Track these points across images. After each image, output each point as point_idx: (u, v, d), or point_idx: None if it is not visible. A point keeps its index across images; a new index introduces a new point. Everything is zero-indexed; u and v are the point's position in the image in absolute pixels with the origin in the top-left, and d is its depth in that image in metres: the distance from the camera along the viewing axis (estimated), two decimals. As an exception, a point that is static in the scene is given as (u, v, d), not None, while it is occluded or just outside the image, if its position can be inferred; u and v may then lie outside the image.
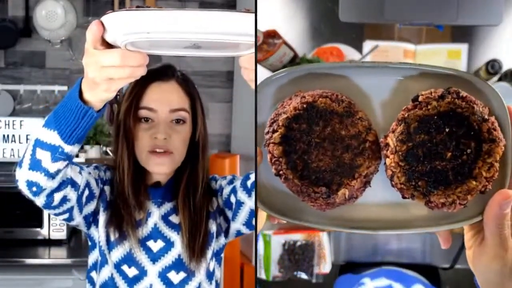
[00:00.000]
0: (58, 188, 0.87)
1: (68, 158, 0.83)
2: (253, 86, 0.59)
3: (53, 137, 0.79)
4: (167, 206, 1.06)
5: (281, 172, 0.45)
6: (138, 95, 1.00)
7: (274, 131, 0.45)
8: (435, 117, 0.45)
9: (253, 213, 1.03)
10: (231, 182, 1.08)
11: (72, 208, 0.95)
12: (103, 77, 0.69)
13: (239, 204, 1.03)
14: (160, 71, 1.04)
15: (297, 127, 0.45)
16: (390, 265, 1.47)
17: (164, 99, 1.01)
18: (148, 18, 0.55)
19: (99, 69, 0.68)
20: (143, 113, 1.00)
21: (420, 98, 0.46)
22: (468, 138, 0.44)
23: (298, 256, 1.58)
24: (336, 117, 0.46)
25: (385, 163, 0.46)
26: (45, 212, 2.30)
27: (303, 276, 1.58)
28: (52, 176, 0.83)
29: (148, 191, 1.05)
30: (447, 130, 0.44)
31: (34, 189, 0.85)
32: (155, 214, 1.05)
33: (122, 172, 1.02)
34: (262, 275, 1.61)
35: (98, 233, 1.03)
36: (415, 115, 0.45)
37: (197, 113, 1.05)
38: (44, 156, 0.81)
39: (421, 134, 0.45)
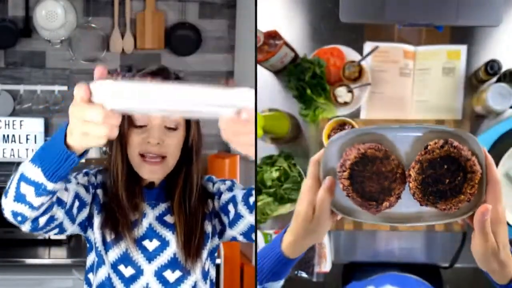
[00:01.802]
0: (43, 214, 0.88)
1: (52, 193, 0.84)
2: (241, 151, 0.72)
3: (37, 174, 0.81)
4: (162, 207, 1.07)
5: (349, 195, 0.76)
6: None
7: (343, 171, 0.75)
8: (438, 159, 0.73)
9: (253, 227, 1.04)
10: (230, 189, 1.08)
11: (61, 223, 0.95)
12: (80, 131, 0.72)
13: (239, 216, 1.04)
14: (154, 74, 1.03)
15: (357, 168, 0.75)
16: (391, 265, 1.48)
17: None
18: (133, 93, 0.66)
19: (81, 122, 0.70)
20: (136, 117, 1.01)
21: (429, 147, 0.73)
22: (458, 171, 0.73)
23: (299, 256, 1.58)
24: (378, 160, 0.75)
25: (409, 186, 0.75)
26: (45, 212, 2.30)
27: (304, 275, 1.58)
28: (36, 208, 0.85)
29: (142, 193, 1.06)
30: (445, 166, 0.73)
31: (19, 218, 0.87)
32: (149, 216, 1.06)
33: (116, 175, 1.03)
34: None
35: (94, 235, 1.04)
36: (425, 158, 0.74)
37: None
38: (28, 191, 0.83)
39: (430, 169, 0.74)
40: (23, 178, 0.83)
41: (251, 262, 2.19)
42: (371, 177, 0.74)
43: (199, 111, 0.70)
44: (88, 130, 0.70)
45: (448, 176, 0.73)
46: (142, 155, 1.01)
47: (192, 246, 1.03)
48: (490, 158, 0.74)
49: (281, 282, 0.90)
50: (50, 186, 0.81)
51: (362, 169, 0.74)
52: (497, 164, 1.47)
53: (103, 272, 1.04)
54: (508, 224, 1.45)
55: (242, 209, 1.03)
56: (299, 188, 1.60)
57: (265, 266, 0.85)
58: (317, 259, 1.58)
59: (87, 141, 0.73)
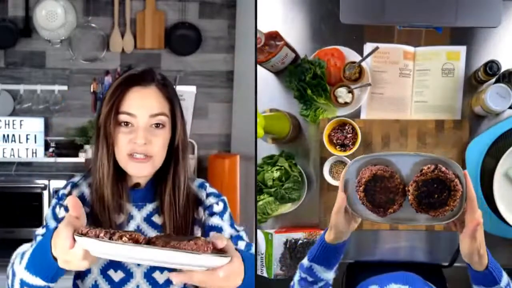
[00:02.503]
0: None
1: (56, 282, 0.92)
2: None
3: (38, 281, 0.90)
4: (149, 207, 1.07)
5: (364, 203, 1.04)
6: (118, 99, 1.01)
7: (360, 186, 1.03)
8: (430, 179, 0.99)
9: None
10: (221, 215, 1.09)
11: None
12: (62, 259, 0.84)
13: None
14: (140, 76, 1.04)
15: (370, 184, 1.02)
16: (394, 265, 1.49)
17: (143, 105, 1.01)
18: (113, 254, 0.79)
19: (63, 254, 0.83)
20: (122, 117, 1.01)
21: (423, 171, 1.00)
22: (445, 189, 0.99)
23: (300, 254, 1.59)
24: (386, 179, 1.02)
25: (408, 198, 1.02)
26: (45, 212, 2.31)
27: (305, 274, 1.59)
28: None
29: (128, 193, 1.05)
30: (435, 185, 0.99)
31: None
32: (137, 217, 1.06)
33: (102, 175, 1.02)
34: (264, 273, 1.63)
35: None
36: (420, 179, 1.00)
37: (176, 117, 1.06)
38: None
39: (424, 187, 1.00)
40: (25, 284, 0.91)
41: (251, 262, 2.20)
42: (380, 191, 1.01)
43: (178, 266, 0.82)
44: (69, 260, 0.83)
45: (437, 192, 0.99)
46: (130, 155, 1.02)
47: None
48: (469, 180, 1.00)
49: (331, 273, 1.14)
50: (52, 284, 0.90)
51: (373, 185, 1.01)
52: (496, 164, 1.48)
53: (91, 279, 1.03)
54: (508, 224, 1.47)
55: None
56: (300, 188, 1.63)
57: (313, 247, 1.13)
58: (291, 285, 1.58)
59: (68, 267, 0.85)
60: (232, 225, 1.11)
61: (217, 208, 1.10)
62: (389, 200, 1.01)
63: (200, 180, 1.15)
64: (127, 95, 1.01)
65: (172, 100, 1.06)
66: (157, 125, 1.02)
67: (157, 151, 1.02)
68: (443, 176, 0.98)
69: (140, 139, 1.00)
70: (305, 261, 1.14)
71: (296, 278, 1.17)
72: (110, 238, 0.79)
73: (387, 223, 1.10)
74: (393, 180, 1.01)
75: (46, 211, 2.37)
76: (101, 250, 0.80)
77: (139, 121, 1.01)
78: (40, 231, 1.07)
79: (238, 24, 2.58)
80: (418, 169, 0.99)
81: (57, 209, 1.06)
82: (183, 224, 1.05)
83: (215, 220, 1.09)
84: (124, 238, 0.79)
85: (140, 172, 1.03)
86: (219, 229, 1.08)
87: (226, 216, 1.11)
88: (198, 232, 1.08)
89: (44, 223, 1.07)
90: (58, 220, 1.04)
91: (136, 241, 0.80)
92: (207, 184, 1.14)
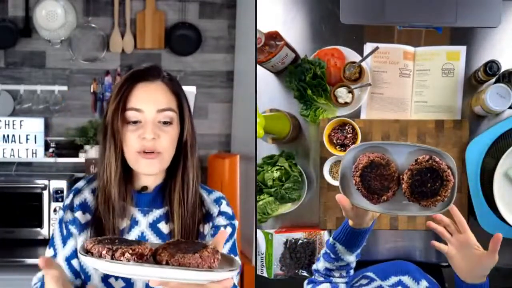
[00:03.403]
0: None
1: None
2: None
3: None
4: (156, 213, 1.05)
5: (359, 188, 1.06)
6: (124, 96, 1.00)
7: (356, 171, 1.05)
8: (424, 169, 1.02)
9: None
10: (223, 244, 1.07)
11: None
12: None
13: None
14: (146, 71, 1.03)
15: (366, 170, 1.05)
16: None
17: (150, 99, 1.00)
18: (119, 271, 0.79)
19: None
20: (130, 114, 0.99)
21: (418, 160, 1.03)
22: (437, 179, 1.02)
23: (300, 254, 1.59)
24: (381, 166, 1.04)
25: (402, 186, 1.04)
26: (45, 212, 2.31)
27: (305, 273, 1.60)
28: None
29: (135, 197, 1.03)
30: (428, 175, 1.02)
31: None
32: (142, 223, 1.03)
33: (109, 174, 1.00)
34: (264, 273, 1.63)
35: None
36: (415, 168, 1.03)
37: (184, 113, 1.04)
38: None
39: (417, 176, 1.02)
40: None
41: (251, 262, 2.19)
42: (375, 177, 1.03)
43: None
44: None
45: (430, 182, 1.01)
46: (139, 152, 1.00)
47: None
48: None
49: (351, 256, 1.18)
50: None
51: (369, 171, 1.04)
52: (496, 164, 1.48)
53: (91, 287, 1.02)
54: (508, 224, 1.47)
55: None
56: (300, 188, 1.63)
57: (339, 227, 1.18)
58: (318, 257, 1.59)
59: None
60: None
61: (222, 221, 1.08)
62: (384, 188, 1.03)
63: (218, 194, 1.11)
64: (133, 91, 1.00)
65: (179, 94, 1.04)
66: (166, 120, 1.01)
67: (166, 146, 1.00)
68: (436, 166, 1.00)
69: (148, 133, 0.98)
70: (330, 238, 1.20)
71: (322, 252, 1.23)
72: (113, 255, 0.78)
73: (377, 212, 1.06)
74: (389, 168, 1.03)
75: (46, 211, 2.36)
76: (104, 268, 0.79)
77: (147, 116, 0.99)
78: (48, 252, 1.06)
79: (238, 24, 2.58)
80: (413, 159, 1.02)
81: (63, 227, 1.04)
82: (190, 224, 1.03)
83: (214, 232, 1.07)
84: (127, 255, 0.78)
85: (149, 169, 1.00)
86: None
87: (228, 245, 1.08)
88: (205, 227, 1.06)
89: (52, 244, 1.06)
90: (70, 234, 1.03)
91: (141, 255, 0.79)
92: (224, 201, 1.11)
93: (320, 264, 1.23)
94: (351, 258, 1.20)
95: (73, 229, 1.03)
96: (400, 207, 1.04)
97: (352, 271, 1.23)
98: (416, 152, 1.03)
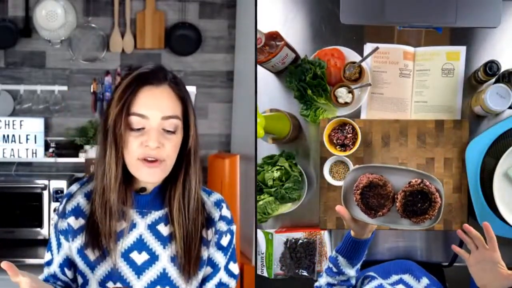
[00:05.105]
0: None
1: None
2: None
3: None
4: (155, 215, 1.02)
5: (358, 204, 1.19)
6: (129, 100, 0.95)
7: (357, 190, 1.19)
8: (415, 191, 1.15)
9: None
10: (224, 253, 1.08)
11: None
12: None
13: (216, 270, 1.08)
14: (151, 74, 0.99)
15: (365, 189, 1.18)
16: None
17: (156, 105, 0.96)
18: None
19: None
20: (134, 120, 0.95)
21: (411, 183, 1.16)
22: (426, 200, 1.15)
23: (300, 254, 1.60)
24: (379, 186, 1.18)
25: (396, 204, 1.18)
26: (45, 212, 2.31)
27: (305, 273, 1.60)
28: None
29: (133, 198, 1.00)
30: (419, 196, 1.15)
31: None
32: (140, 225, 1.01)
33: (109, 180, 0.97)
34: (264, 273, 1.63)
35: (75, 260, 1.02)
36: (408, 189, 1.16)
37: (189, 119, 1.01)
38: None
39: (410, 197, 1.16)
40: None
41: (251, 262, 2.20)
42: (373, 196, 1.17)
43: None
44: None
45: (420, 202, 1.14)
46: (141, 159, 0.97)
47: (192, 252, 1.00)
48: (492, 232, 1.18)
49: (352, 270, 1.25)
50: None
51: (368, 190, 1.17)
52: (496, 164, 1.48)
53: None
54: (508, 224, 1.47)
55: (223, 275, 1.08)
56: (300, 188, 1.63)
57: (341, 242, 1.26)
58: (318, 257, 1.59)
59: None
60: (226, 268, 1.08)
61: (224, 241, 1.07)
62: (380, 205, 1.17)
63: (218, 196, 1.09)
64: (138, 95, 0.96)
65: (185, 99, 1.01)
66: (170, 129, 0.97)
67: (169, 154, 0.97)
68: (426, 189, 1.14)
69: (152, 142, 0.95)
70: (333, 252, 1.28)
71: (325, 267, 1.31)
72: None
73: (374, 224, 1.21)
74: (385, 188, 1.17)
75: (46, 211, 2.36)
76: None
77: (152, 123, 0.96)
78: (46, 256, 1.06)
79: (238, 24, 2.58)
80: (407, 181, 1.16)
81: (57, 234, 1.04)
82: (192, 230, 1.01)
83: (217, 256, 1.07)
84: None
85: (151, 178, 0.98)
86: (216, 268, 1.06)
87: (228, 254, 1.08)
88: (205, 253, 1.03)
89: (49, 248, 1.06)
90: (60, 244, 1.04)
91: None
92: (224, 205, 1.09)
93: (322, 280, 1.29)
94: (352, 272, 1.26)
95: (62, 239, 1.03)
96: (394, 221, 1.18)
97: None
98: (410, 175, 1.17)
